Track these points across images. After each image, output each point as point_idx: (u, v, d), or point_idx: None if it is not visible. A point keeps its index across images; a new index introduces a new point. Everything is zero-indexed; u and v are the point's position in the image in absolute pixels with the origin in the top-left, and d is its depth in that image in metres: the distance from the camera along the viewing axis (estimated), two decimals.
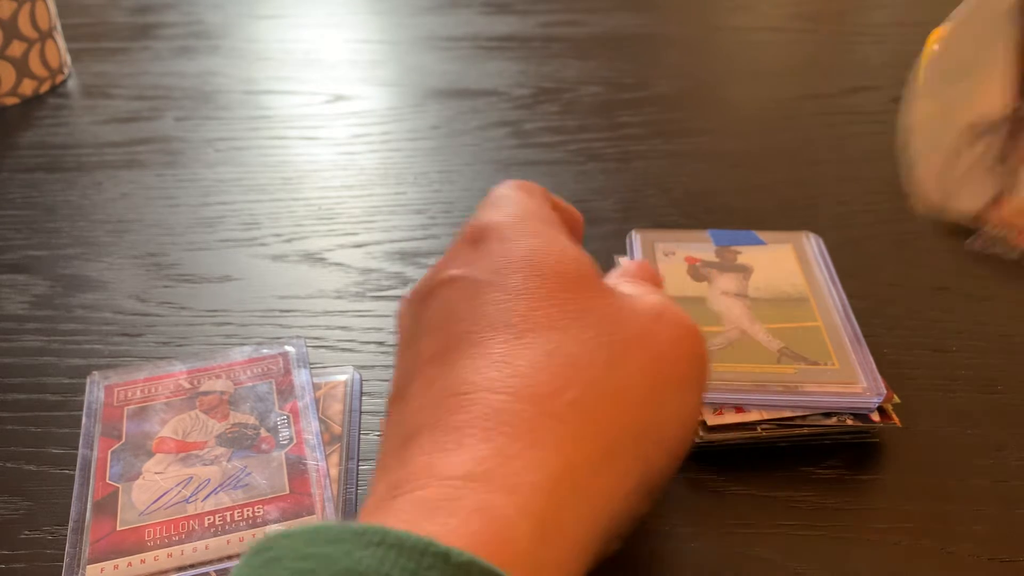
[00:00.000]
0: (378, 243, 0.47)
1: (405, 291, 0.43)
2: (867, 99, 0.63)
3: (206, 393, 0.35)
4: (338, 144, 0.58)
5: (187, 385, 0.36)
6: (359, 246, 0.47)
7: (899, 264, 0.44)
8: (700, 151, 0.56)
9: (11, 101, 0.63)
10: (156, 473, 0.32)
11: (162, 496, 0.31)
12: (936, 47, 0.25)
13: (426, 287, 0.26)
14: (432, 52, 0.72)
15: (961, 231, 0.26)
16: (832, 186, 0.51)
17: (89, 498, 0.31)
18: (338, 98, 0.64)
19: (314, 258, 0.46)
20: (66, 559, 0.29)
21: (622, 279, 0.28)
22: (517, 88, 0.65)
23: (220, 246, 0.47)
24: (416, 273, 0.45)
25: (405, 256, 0.46)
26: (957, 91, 0.26)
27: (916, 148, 0.26)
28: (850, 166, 0.54)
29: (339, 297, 0.43)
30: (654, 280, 0.30)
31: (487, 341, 0.23)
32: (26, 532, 0.31)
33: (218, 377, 0.36)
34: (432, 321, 0.25)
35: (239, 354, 0.37)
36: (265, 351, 0.38)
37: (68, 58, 0.68)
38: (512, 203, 0.28)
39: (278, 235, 0.48)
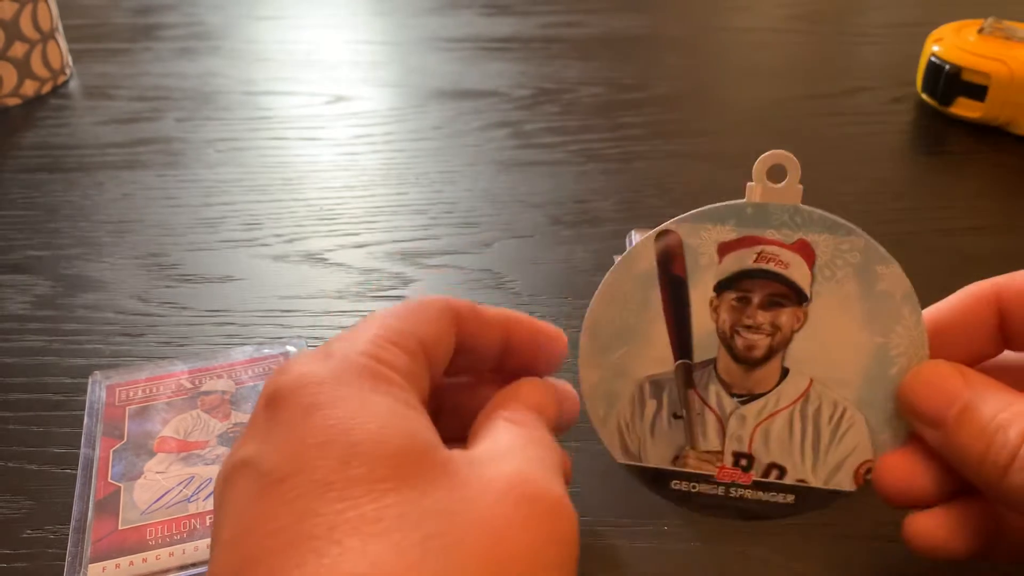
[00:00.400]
0: (379, 243, 0.47)
1: (406, 292, 0.43)
2: (867, 99, 0.63)
3: (208, 393, 0.36)
4: (339, 145, 0.58)
5: (189, 385, 0.36)
6: (360, 246, 0.47)
7: (899, 264, 0.44)
8: (700, 151, 0.56)
9: (13, 102, 0.63)
10: (158, 472, 0.32)
11: (164, 495, 0.31)
12: (589, 317, 0.27)
13: (225, 467, 0.21)
14: (433, 53, 0.72)
15: (661, 478, 0.27)
16: (832, 186, 0.52)
17: (91, 497, 0.31)
18: (339, 99, 0.64)
19: (315, 258, 0.46)
20: (68, 558, 0.29)
21: (507, 412, 0.24)
22: (518, 89, 0.65)
23: (221, 246, 0.47)
24: (417, 273, 0.45)
25: (406, 256, 0.46)
26: (618, 358, 0.27)
27: (597, 413, 0.27)
28: (850, 166, 0.54)
29: (340, 297, 0.43)
30: (545, 406, 0.25)
31: (282, 568, 0.18)
32: (28, 531, 0.31)
33: (220, 377, 0.36)
34: (222, 529, 0.20)
35: (240, 354, 0.38)
36: (266, 351, 0.38)
37: (69, 59, 0.68)
38: (335, 348, 0.22)
39: (279, 235, 0.48)
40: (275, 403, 0.21)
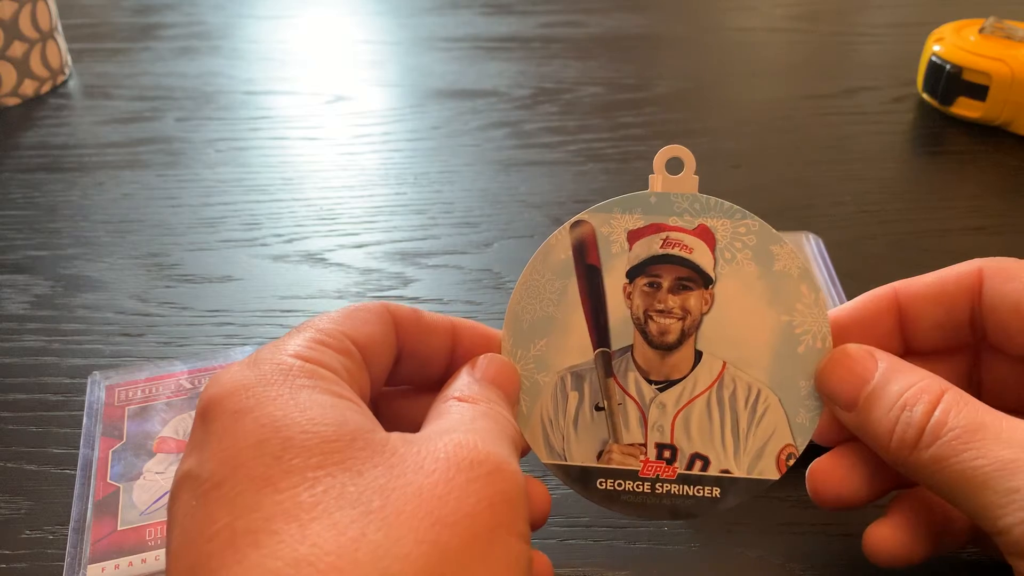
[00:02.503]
0: (379, 243, 0.47)
1: (406, 292, 0.43)
2: (867, 99, 0.63)
3: None
4: (339, 144, 0.58)
5: (188, 385, 0.36)
6: (360, 246, 0.47)
7: (899, 264, 0.44)
8: (700, 151, 0.56)
9: (12, 101, 0.63)
10: (157, 473, 0.32)
11: (163, 496, 0.31)
12: (509, 311, 0.27)
13: (172, 485, 0.21)
14: (432, 53, 0.72)
15: (586, 477, 0.27)
16: (831, 186, 0.52)
17: (90, 498, 0.31)
18: (339, 98, 0.64)
19: (315, 258, 0.46)
20: (67, 559, 0.29)
21: (459, 391, 0.24)
22: (517, 88, 0.65)
23: (221, 246, 0.47)
24: (417, 273, 0.45)
25: (406, 256, 0.46)
26: (539, 350, 0.27)
27: (519, 410, 0.27)
28: (850, 166, 0.54)
29: (340, 297, 0.43)
30: (503, 382, 0.26)
31: (221, 567, 0.18)
32: (27, 532, 0.31)
33: None
34: (174, 536, 0.20)
35: (240, 354, 0.37)
36: None
37: (69, 58, 0.68)
38: (263, 355, 0.22)
39: (279, 235, 0.48)
40: (207, 414, 0.21)
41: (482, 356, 0.27)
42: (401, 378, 0.27)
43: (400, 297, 0.43)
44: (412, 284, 0.44)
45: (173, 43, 0.75)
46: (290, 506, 0.18)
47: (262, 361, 0.22)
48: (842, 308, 0.27)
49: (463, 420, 0.23)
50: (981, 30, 0.58)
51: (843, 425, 0.26)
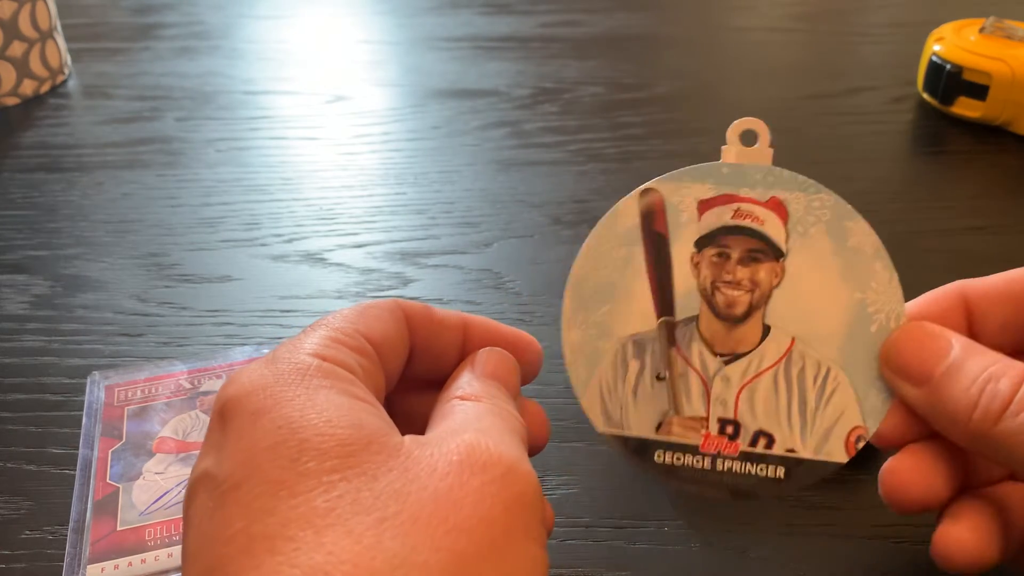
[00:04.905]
0: (379, 243, 0.47)
1: (406, 292, 0.43)
2: (867, 99, 0.63)
3: (207, 393, 0.36)
4: (338, 144, 0.58)
5: (188, 385, 0.36)
6: (360, 246, 0.47)
7: (899, 264, 0.44)
8: (700, 151, 0.56)
9: (11, 101, 0.63)
10: (156, 473, 0.32)
11: (163, 496, 0.31)
12: (572, 276, 0.27)
13: (188, 485, 0.21)
14: (432, 52, 0.72)
15: (644, 449, 0.26)
16: (832, 186, 0.51)
17: (90, 498, 0.31)
18: (338, 98, 0.64)
19: (315, 258, 0.46)
20: (66, 559, 0.29)
21: (461, 390, 0.24)
22: (517, 88, 0.65)
23: (221, 246, 0.47)
24: (416, 273, 0.45)
25: (406, 256, 0.46)
26: (601, 316, 0.27)
27: (579, 376, 0.27)
28: (850, 166, 0.54)
29: (340, 297, 0.43)
30: (504, 375, 0.25)
31: (238, 572, 0.18)
32: (27, 532, 0.31)
33: (219, 377, 0.36)
34: (186, 545, 0.20)
35: (240, 354, 0.37)
36: (266, 351, 0.38)
37: (68, 58, 0.68)
38: (280, 353, 0.22)
39: (279, 235, 0.48)
40: (225, 414, 0.21)
41: (480, 351, 0.26)
42: (413, 374, 0.26)
43: (400, 297, 0.43)
44: (412, 284, 0.44)
45: (172, 43, 0.75)
46: (305, 511, 0.18)
47: (280, 360, 0.22)
48: (910, 304, 0.26)
49: (469, 419, 0.22)
50: (981, 30, 0.58)
51: (911, 422, 0.25)
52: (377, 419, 0.21)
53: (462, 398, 0.24)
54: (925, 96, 0.60)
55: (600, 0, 0.83)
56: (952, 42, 0.58)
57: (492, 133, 0.59)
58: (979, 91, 0.56)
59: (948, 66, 0.57)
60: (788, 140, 0.57)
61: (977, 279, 0.27)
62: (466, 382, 0.25)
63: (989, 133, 0.57)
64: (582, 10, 0.80)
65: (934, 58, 0.58)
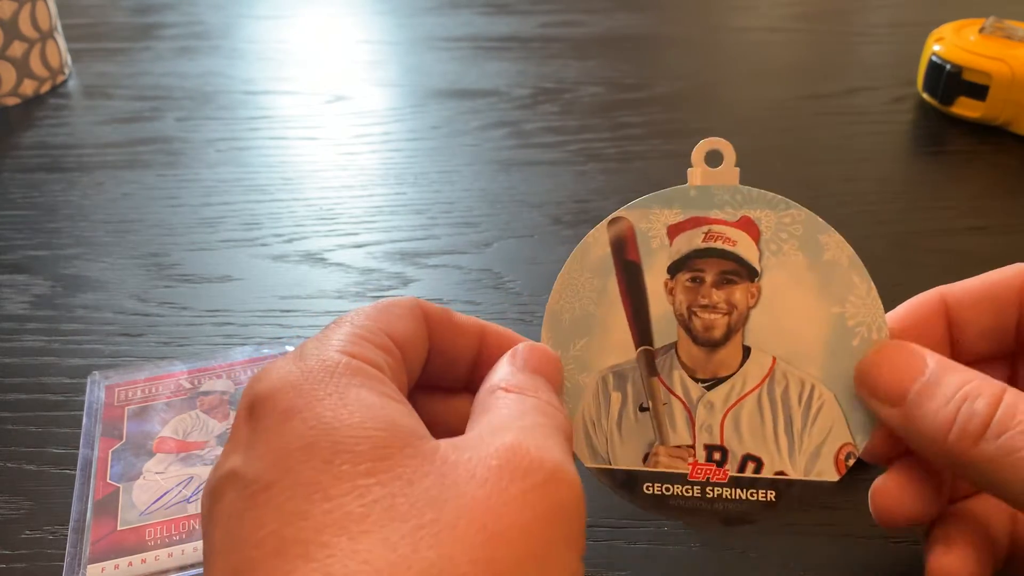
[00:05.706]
0: (379, 243, 0.47)
1: (406, 292, 0.43)
2: (867, 99, 0.63)
3: (207, 393, 0.36)
4: (338, 144, 0.58)
5: (188, 385, 0.36)
6: (360, 246, 0.47)
7: (899, 264, 0.44)
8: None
9: (12, 101, 0.63)
10: (157, 473, 0.32)
11: (163, 496, 0.31)
12: (548, 310, 0.27)
13: (211, 482, 0.21)
14: (432, 52, 0.72)
15: (632, 482, 0.26)
16: (831, 186, 0.51)
17: (90, 498, 0.31)
18: (338, 98, 0.64)
19: (315, 258, 0.46)
20: (67, 559, 0.29)
21: (504, 381, 0.23)
22: (517, 88, 0.65)
23: (221, 246, 0.47)
24: (416, 273, 0.45)
25: (406, 256, 0.46)
26: (579, 351, 0.26)
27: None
28: (850, 166, 0.54)
29: (340, 297, 0.43)
30: (548, 371, 0.25)
31: (275, 572, 0.17)
32: (27, 532, 0.31)
33: (219, 377, 0.36)
34: (212, 544, 0.19)
35: (240, 354, 0.37)
36: (266, 351, 0.38)
37: (69, 58, 0.68)
38: (308, 350, 0.22)
39: (279, 235, 0.48)
40: (254, 411, 0.20)
41: (521, 344, 0.25)
42: (426, 378, 0.26)
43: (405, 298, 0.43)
44: (412, 284, 0.44)
45: (173, 43, 0.75)
46: (339, 516, 0.18)
47: (308, 356, 0.21)
48: (891, 314, 0.26)
49: (512, 415, 0.22)
50: (981, 30, 0.58)
51: (898, 437, 0.25)
52: (410, 420, 0.20)
53: (506, 389, 0.23)
54: (925, 96, 0.60)
55: (600, 0, 0.83)
56: (952, 42, 0.58)
57: (492, 133, 0.59)
58: (979, 91, 0.56)
59: (948, 66, 0.57)
60: (788, 140, 0.57)
61: (956, 283, 0.26)
62: (508, 373, 0.24)
63: (989, 133, 0.57)
64: (582, 10, 0.80)
65: (934, 58, 0.58)
